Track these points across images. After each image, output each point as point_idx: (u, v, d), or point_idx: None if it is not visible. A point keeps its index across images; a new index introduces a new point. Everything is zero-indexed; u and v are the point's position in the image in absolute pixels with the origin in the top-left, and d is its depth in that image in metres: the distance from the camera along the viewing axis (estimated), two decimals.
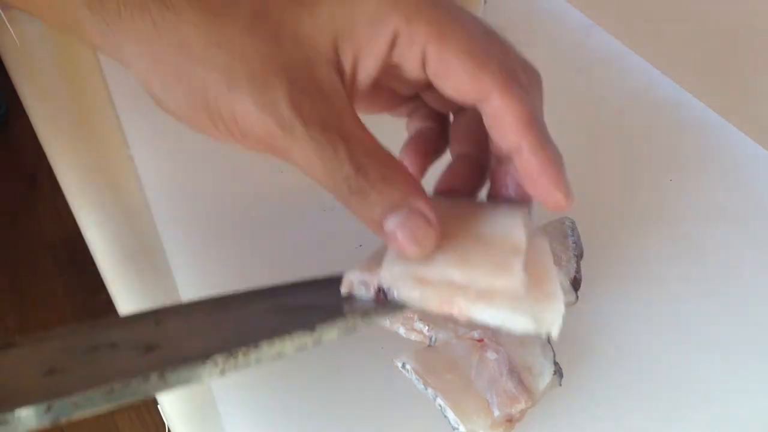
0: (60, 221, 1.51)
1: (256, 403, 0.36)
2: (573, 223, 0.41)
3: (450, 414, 0.33)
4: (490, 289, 0.31)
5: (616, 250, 0.42)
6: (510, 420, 0.33)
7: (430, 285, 0.31)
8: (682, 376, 0.37)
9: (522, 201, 0.34)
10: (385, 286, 0.31)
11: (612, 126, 0.49)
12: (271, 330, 0.28)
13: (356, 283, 0.32)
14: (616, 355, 0.37)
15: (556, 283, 0.32)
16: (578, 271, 0.39)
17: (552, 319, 0.30)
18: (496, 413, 0.33)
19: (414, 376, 0.35)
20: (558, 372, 0.34)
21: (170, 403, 0.39)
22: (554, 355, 0.35)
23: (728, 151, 0.48)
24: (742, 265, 0.42)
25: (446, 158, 0.37)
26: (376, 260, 0.33)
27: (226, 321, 0.29)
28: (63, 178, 0.49)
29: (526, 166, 0.30)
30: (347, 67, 0.30)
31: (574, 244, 0.40)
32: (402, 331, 0.37)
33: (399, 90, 0.34)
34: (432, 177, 0.43)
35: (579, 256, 0.40)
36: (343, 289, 0.33)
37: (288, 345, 0.27)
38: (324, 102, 0.29)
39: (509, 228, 0.32)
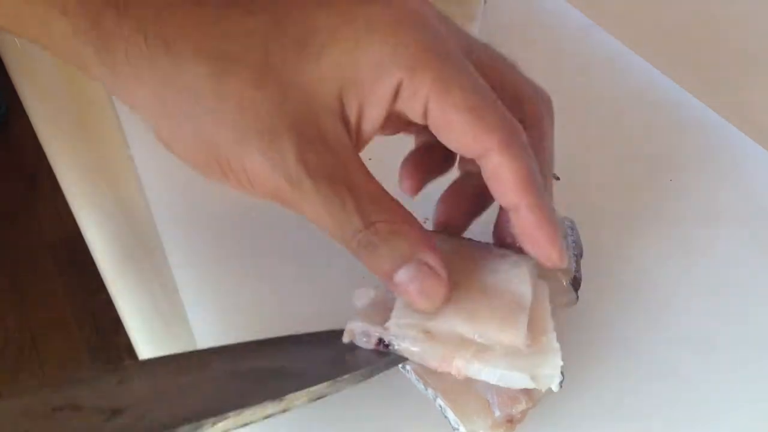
0: (60, 221, 1.51)
1: None
2: (573, 222, 0.41)
3: (450, 414, 0.33)
4: (492, 344, 0.31)
5: (616, 250, 0.42)
6: (511, 420, 0.33)
7: (435, 339, 0.32)
8: (682, 376, 0.37)
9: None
10: (386, 339, 0.32)
11: (612, 126, 0.49)
12: (239, 395, 0.27)
13: (358, 333, 0.33)
14: (616, 354, 0.37)
15: (553, 335, 0.32)
16: (578, 270, 0.39)
17: (550, 374, 0.31)
18: (497, 413, 0.33)
19: (414, 376, 0.35)
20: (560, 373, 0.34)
21: None
22: None
23: (728, 151, 0.48)
24: (742, 265, 0.42)
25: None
26: (378, 311, 0.34)
27: (192, 385, 0.28)
28: (63, 178, 0.49)
29: (523, 223, 0.31)
30: (352, 117, 0.30)
31: (574, 244, 0.40)
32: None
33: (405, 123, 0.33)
34: (438, 190, 0.43)
35: (579, 256, 0.40)
36: (345, 339, 0.33)
37: (256, 414, 0.27)
38: (330, 154, 0.29)
39: (515, 282, 0.33)
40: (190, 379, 0.29)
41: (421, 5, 0.30)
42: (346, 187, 0.29)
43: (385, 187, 0.45)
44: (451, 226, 0.37)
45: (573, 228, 0.41)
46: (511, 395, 0.33)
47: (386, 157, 0.47)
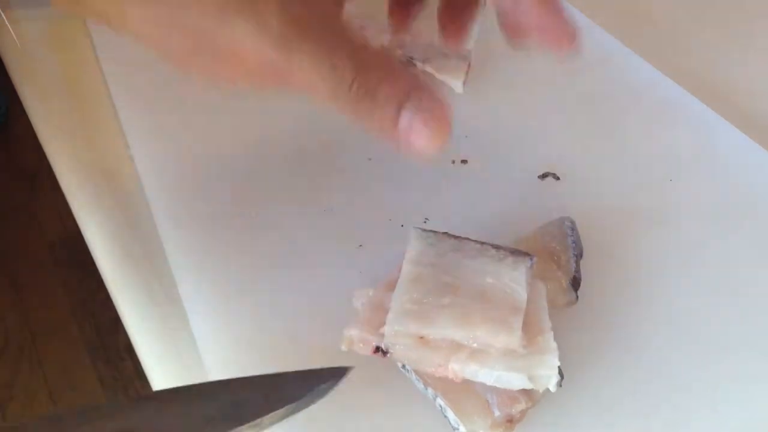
0: (60, 221, 1.51)
1: None
2: (573, 222, 0.41)
3: (450, 414, 0.33)
4: (486, 347, 0.32)
5: (616, 250, 0.42)
6: (510, 420, 0.33)
7: (430, 345, 0.32)
8: (682, 376, 0.37)
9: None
10: (383, 345, 0.32)
11: (612, 126, 0.49)
12: None
13: (356, 340, 0.33)
14: (616, 354, 0.37)
15: (550, 335, 0.32)
16: (578, 271, 0.39)
17: (547, 375, 0.31)
18: (497, 413, 0.33)
19: (414, 376, 0.35)
20: (558, 373, 0.34)
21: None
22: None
23: (728, 151, 0.48)
24: (742, 265, 0.41)
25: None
26: (375, 316, 0.34)
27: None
28: (63, 178, 0.49)
29: (526, 8, 0.32)
30: None
31: (574, 244, 0.40)
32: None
33: None
34: (438, 190, 0.43)
35: (579, 256, 0.40)
36: (343, 347, 0.34)
37: None
38: (312, 11, 0.29)
39: (511, 284, 0.33)
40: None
41: None
42: (332, 43, 0.29)
43: (386, 190, 0.45)
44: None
45: (573, 228, 0.41)
46: (510, 395, 0.33)
47: (386, 157, 0.47)
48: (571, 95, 0.52)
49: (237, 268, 0.41)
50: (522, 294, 0.33)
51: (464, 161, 0.47)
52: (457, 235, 0.37)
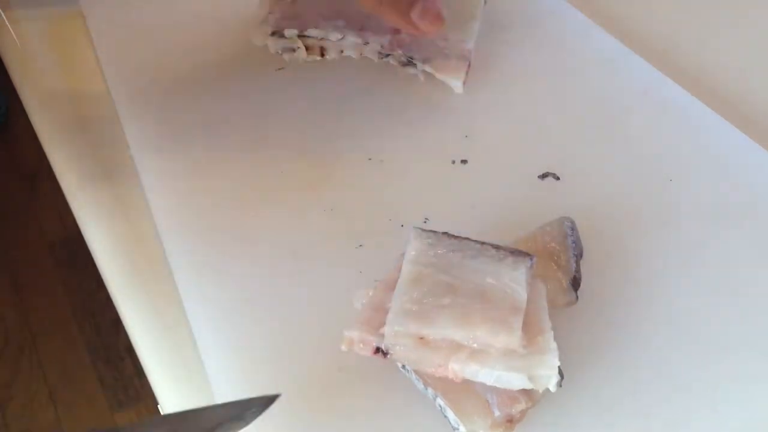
0: (60, 221, 1.51)
1: None
2: (573, 222, 0.41)
3: (450, 414, 0.33)
4: (486, 347, 0.32)
5: (615, 250, 0.42)
6: (510, 420, 0.33)
7: (430, 345, 0.32)
8: (682, 376, 0.37)
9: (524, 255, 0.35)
10: (384, 346, 0.32)
11: (612, 126, 0.49)
12: None
13: (356, 341, 0.33)
14: (616, 354, 0.37)
15: (550, 335, 0.32)
16: (578, 271, 0.39)
17: (547, 375, 0.31)
18: (497, 413, 0.33)
19: (414, 376, 0.35)
20: (558, 373, 0.34)
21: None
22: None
23: (728, 151, 0.48)
24: (742, 265, 0.41)
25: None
26: (375, 317, 0.34)
27: None
28: (63, 178, 0.49)
29: None
30: None
31: (574, 244, 0.40)
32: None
33: None
34: (438, 190, 0.43)
35: (579, 256, 0.40)
36: (344, 347, 0.34)
37: None
38: None
39: (511, 284, 0.33)
40: None
41: None
42: None
43: (386, 190, 0.45)
44: None
45: (573, 228, 0.41)
46: (510, 395, 0.33)
47: (386, 157, 0.47)
48: (571, 95, 0.52)
49: (237, 269, 0.41)
50: (522, 294, 0.33)
51: (464, 161, 0.47)
52: (457, 235, 0.37)
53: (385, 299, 0.34)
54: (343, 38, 0.51)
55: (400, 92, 0.52)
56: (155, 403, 0.39)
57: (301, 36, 0.52)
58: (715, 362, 0.37)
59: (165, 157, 0.48)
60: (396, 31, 0.51)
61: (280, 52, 0.53)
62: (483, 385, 0.33)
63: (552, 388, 0.32)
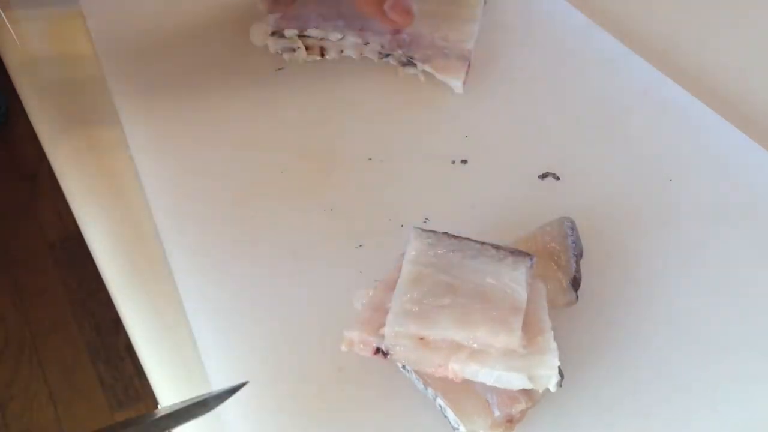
0: (60, 221, 1.51)
1: (260, 408, 0.36)
2: (573, 222, 0.41)
3: (450, 414, 0.33)
4: (486, 347, 0.32)
5: (615, 250, 0.42)
6: (510, 420, 0.33)
7: (430, 346, 0.32)
8: (682, 376, 0.37)
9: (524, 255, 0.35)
10: (384, 347, 0.32)
11: (612, 126, 0.49)
12: None
13: (356, 341, 0.33)
14: (616, 354, 0.37)
15: (550, 334, 0.32)
16: (578, 270, 0.39)
17: (547, 375, 0.31)
18: (497, 413, 0.33)
19: (414, 376, 0.35)
20: (558, 373, 0.34)
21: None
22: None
23: (728, 151, 0.48)
24: (742, 265, 0.41)
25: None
26: (375, 317, 0.34)
27: None
28: (63, 178, 0.49)
29: None
30: None
31: (574, 244, 0.40)
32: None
33: None
34: (438, 190, 0.43)
35: (579, 256, 0.40)
36: (344, 347, 0.34)
37: None
38: None
39: (511, 284, 0.33)
40: None
41: None
42: None
43: (386, 190, 0.45)
44: None
45: (573, 228, 0.41)
46: (510, 395, 0.33)
47: (386, 157, 0.47)
48: (571, 95, 0.52)
49: (237, 268, 0.41)
50: (522, 294, 0.33)
51: (464, 161, 0.47)
52: (457, 235, 0.37)
53: (385, 299, 0.34)
54: (343, 38, 0.51)
55: (400, 92, 0.52)
56: (155, 403, 0.39)
57: (301, 36, 0.52)
58: (715, 362, 0.37)
59: (165, 157, 0.48)
60: (396, 31, 0.51)
61: (280, 52, 0.53)
62: (483, 385, 0.33)
63: (552, 388, 0.32)
